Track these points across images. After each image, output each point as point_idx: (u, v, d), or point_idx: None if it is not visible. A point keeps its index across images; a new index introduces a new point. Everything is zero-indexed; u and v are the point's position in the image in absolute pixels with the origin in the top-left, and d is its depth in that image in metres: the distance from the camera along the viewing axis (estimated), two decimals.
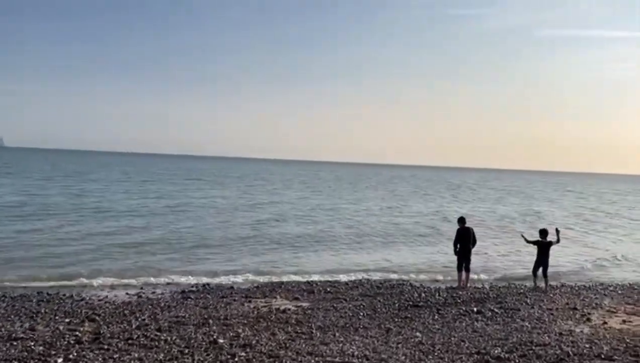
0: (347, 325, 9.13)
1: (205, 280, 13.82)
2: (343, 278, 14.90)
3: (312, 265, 16.95)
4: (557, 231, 14.09)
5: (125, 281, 13.26)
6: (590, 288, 14.63)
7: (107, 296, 11.42)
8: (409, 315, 10.32)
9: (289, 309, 10.29)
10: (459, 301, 12.15)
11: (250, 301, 11.19)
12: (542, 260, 14.08)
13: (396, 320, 9.87)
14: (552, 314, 11.02)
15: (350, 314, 10.12)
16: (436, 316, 10.37)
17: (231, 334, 8.07)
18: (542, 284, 14.05)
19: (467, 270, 14.46)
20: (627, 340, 8.74)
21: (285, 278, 14.43)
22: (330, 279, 14.65)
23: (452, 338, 8.53)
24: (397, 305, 11.27)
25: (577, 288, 14.56)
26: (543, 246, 14.09)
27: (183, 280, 13.77)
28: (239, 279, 14.21)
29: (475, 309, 11.18)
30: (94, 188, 43.24)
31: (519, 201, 53.38)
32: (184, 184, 54.53)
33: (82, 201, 32.32)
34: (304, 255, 18.69)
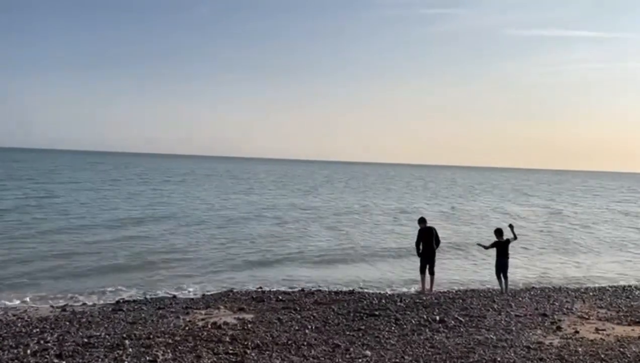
0: (290, 342, 8.01)
1: (151, 289, 12.62)
2: (302, 284, 13.85)
3: (274, 270, 15.83)
4: (511, 227, 13.34)
5: (63, 292, 12.00)
6: (560, 290, 13.83)
7: (26, 311, 10.11)
8: (362, 327, 9.26)
9: (228, 323, 9.12)
10: (421, 308, 11.16)
11: (188, 314, 10.01)
12: (503, 260, 13.27)
13: (347, 333, 8.79)
14: (520, 322, 10.09)
15: (297, 327, 9.01)
16: (393, 327, 9.33)
17: (147, 359, 6.86)
18: (503, 285, 13.26)
19: (432, 273, 13.52)
20: (602, 355, 7.82)
21: (238, 286, 13.26)
22: (288, 285, 13.57)
23: (406, 358, 7.48)
24: (352, 314, 10.21)
25: (547, 291, 13.75)
26: (502, 246, 13.29)
27: (126, 289, 12.54)
28: (191, 287, 13.03)
29: (437, 317, 10.18)
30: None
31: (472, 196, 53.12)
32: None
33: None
34: (266, 260, 17.51)
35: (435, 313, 10.67)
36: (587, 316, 10.68)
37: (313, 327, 9.05)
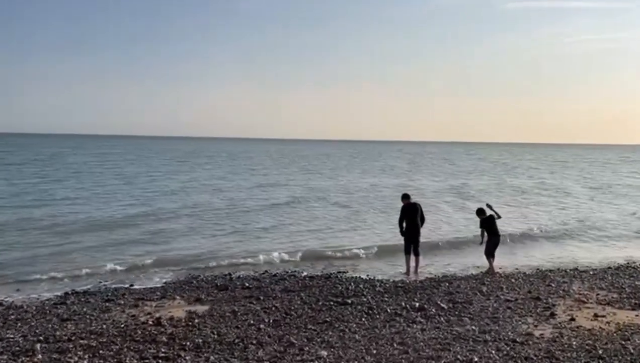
0: (237, 341, 6.92)
1: (115, 276, 11.69)
2: (275, 267, 12.78)
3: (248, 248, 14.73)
4: (489, 206, 12.33)
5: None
6: (558, 270, 12.68)
7: None
8: (328, 319, 8.15)
9: (173, 318, 8.03)
10: (401, 293, 10.06)
11: (137, 306, 8.93)
12: (495, 239, 12.19)
13: (309, 327, 7.69)
14: (509, 308, 8.98)
15: (252, 321, 7.90)
16: (363, 319, 8.22)
17: None
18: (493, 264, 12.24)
19: (417, 254, 12.40)
20: (599, 351, 6.67)
21: (209, 272, 12.14)
22: (259, 269, 12.47)
23: (367, 358, 6.36)
24: (320, 303, 9.10)
25: (543, 270, 12.62)
26: (489, 224, 12.19)
27: (87, 277, 11.59)
28: (161, 273, 12.02)
29: (417, 304, 9.07)
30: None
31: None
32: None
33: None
34: (254, 239, 16.42)
35: (416, 299, 9.57)
36: (585, 300, 9.54)
37: (270, 321, 7.94)
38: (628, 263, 13.51)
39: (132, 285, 10.84)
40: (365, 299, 9.50)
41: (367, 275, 12.00)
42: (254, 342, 6.89)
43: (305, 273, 12.04)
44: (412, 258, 12.34)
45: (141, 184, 32.74)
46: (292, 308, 8.71)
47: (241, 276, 11.66)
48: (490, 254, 12.26)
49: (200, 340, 6.86)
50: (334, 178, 41.87)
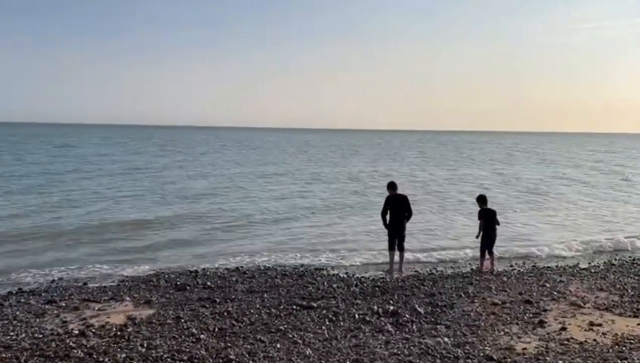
0: (166, 357, 5.96)
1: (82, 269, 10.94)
2: (246, 263, 11.86)
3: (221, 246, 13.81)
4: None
5: None
6: (557, 267, 11.60)
7: None
8: (284, 326, 7.16)
9: (105, 325, 7.08)
10: (378, 295, 9.07)
11: (78, 309, 8.01)
12: (490, 234, 11.06)
13: (258, 337, 6.70)
14: (494, 313, 7.95)
15: (194, 330, 6.93)
16: (324, 327, 7.22)
17: None
18: (489, 264, 11.12)
19: (401, 249, 11.34)
20: None
21: (171, 270, 11.22)
22: (227, 266, 11.53)
23: None
24: (282, 307, 8.12)
25: (540, 268, 11.56)
26: (489, 216, 11.08)
27: (45, 272, 10.78)
28: (127, 269, 11.21)
29: (391, 308, 8.08)
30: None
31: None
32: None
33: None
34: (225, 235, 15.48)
35: (391, 302, 8.57)
36: (582, 303, 8.48)
37: (216, 329, 6.97)
38: (633, 259, 12.39)
39: (85, 284, 9.94)
40: (334, 302, 8.51)
41: (346, 273, 11.02)
42: (186, 357, 5.93)
43: (280, 269, 11.13)
44: (397, 254, 11.32)
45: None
46: (247, 313, 7.73)
47: (209, 273, 10.73)
48: (484, 250, 11.17)
49: (123, 356, 5.91)
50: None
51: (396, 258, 11.24)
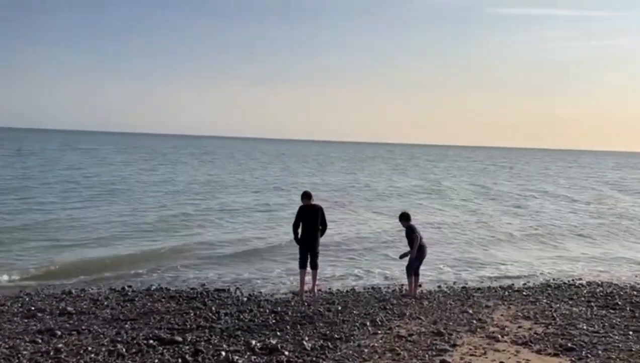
0: None
1: None
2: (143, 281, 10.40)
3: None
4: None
5: None
6: (488, 289, 10.43)
7: None
8: None
9: None
10: (270, 323, 7.68)
11: None
12: (420, 253, 9.74)
13: None
14: (392, 349, 6.61)
15: None
16: None
17: None
18: (412, 286, 9.81)
19: (314, 267, 9.96)
20: None
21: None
22: (114, 285, 10.00)
23: None
24: (135, 342, 6.61)
25: (470, 289, 10.39)
26: (415, 233, 9.75)
27: None
28: None
29: (272, 342, 6.67)
30: None
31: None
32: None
33: None
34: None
35: (279, 334, 7.17)
36: (500, 336, 7.22)
37: None
38: (572, 280, 11.30)
39: None
40: (208, 334, 7.06)
41: (250, 295, 9.61)
42: None
43: (174, 290, 9.70)
44: (309, 272, 9.95)
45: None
46: (81, 352, 6.18)
47: (82, 295, 9.19)
48: (410, 270, 9.82)
49: None
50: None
51: (308, 277, 9.88)
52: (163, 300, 8.96)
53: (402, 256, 9.91)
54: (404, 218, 9.90)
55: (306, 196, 10.09)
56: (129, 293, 9.37)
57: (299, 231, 9.89)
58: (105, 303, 8.62)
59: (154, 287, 9.96)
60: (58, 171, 35.44)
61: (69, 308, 8.13)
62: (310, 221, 9.87)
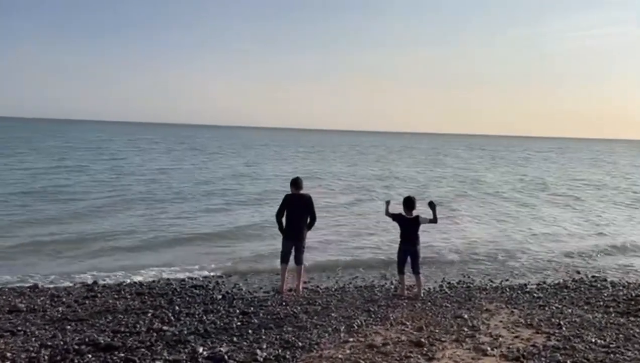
0: None
1: None
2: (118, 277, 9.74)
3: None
4: (432, 205, 8.53)
5: None
6: (494, 289, 9.29)
7: None
8: None
9: None
10: (232, 327, 6.83)
11: None
12: (407, 247, 8.66)
13: None
14: None
15: None
16: None
17: None
18: (411, 285, 8.76)
19: (298, 262, 9.01)
20: None
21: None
22: (85, 279, 9.39)
23: None
24: (66, 347, 5.87)
25: (473, 287, 9.34)
26: (406, 225, 8.65)
27: None
28: None
29: (222, 351, 5.83)
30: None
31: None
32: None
33: None
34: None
35: (237, 339, 6.31)
36: (490, 348, 6.14)
37: None
38: (595, 280, 10.02)
39: None
40: (151, 340, 6.23)
41: (227, 292, 8.80)
42: None
43: (146, 286, 9.01)
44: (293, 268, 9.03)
45: None
46: (0, 357, 5.51)
47: (46, 289, 8.60)
48: (402, 267, 8.78)
49: None
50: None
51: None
52: (128, 297, 8.25)
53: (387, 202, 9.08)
54: (406, 203, 8.76)
55: (295, 183, 9.08)
56: (95, 289, 8.71)
57: (283, 220, 8.97)
58: (64, 299, 7.96)
59: (126, 282, 9.29)
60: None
61: (20, 305, 7.52)
62: (296, 211, 8.91)
